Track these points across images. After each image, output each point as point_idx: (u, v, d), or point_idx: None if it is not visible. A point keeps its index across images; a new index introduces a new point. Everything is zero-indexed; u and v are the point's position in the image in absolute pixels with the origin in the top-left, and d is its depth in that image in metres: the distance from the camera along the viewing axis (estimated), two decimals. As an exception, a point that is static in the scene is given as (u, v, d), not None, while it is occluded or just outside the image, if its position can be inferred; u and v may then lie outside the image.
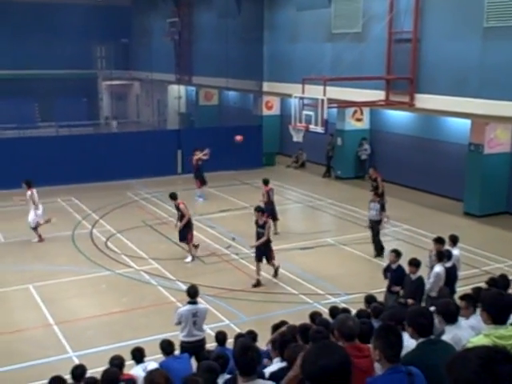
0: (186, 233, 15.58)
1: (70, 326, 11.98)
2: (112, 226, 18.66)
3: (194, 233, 16.00)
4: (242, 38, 27.16)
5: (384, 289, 11.57)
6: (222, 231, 18.04)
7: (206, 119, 33.03)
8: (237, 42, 27.16)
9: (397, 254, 11.39)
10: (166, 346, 7.92)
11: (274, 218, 17.33)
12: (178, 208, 15.71)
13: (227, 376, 5.65)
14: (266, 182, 17.69)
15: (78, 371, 7.27)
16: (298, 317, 9.78)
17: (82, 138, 26.92)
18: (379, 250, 15.84)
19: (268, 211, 16.18)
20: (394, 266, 11.36)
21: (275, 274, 14.45)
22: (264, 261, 14.13)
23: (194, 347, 9.21)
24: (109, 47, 38.96)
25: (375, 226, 15.83)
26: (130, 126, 37.00)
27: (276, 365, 5.84)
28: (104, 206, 20.71)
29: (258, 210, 14.20)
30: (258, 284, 13.95)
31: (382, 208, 15.91)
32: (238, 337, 7.65)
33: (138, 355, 7.72)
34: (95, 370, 7.99)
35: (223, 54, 26.92)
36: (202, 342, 9.51)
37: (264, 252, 14.06)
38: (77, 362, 9.90)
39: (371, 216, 15.84)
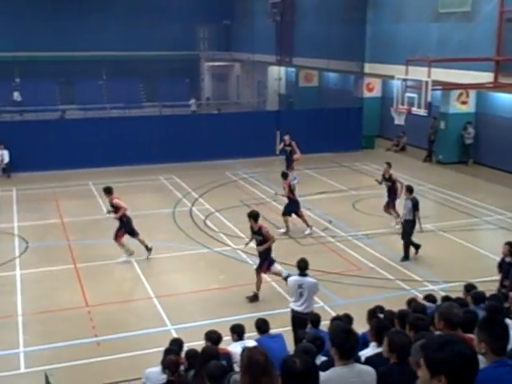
0: (117, 231, 14.42)
1: (169, 300, 12.38)
2: (211, 204, 19.05)
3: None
4: (345, 18, 26.73)
5: (486, 278, 11.13)
6: (319, 213, 17.98)
7: (305, 101, 32.86)
8: (339, 23, 26.77)
9: (511, 246, 10.75)
10: (261, 325, 8.00)
11: (297, 214, 16.37)
12: (111, 204, 14.55)
13: (323, 358, 5.64)
14: (284, 176, 16.60)
15: (177, 344, 7.50)
16: (393, 303, 9.61)
17: (184, 117, 27.59)
18: (407, 252, 14.38)
19: (291, 207, 16.18)
20: (508, 260, 10.75)
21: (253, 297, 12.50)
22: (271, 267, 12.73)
23: (301, 318, 9.42)
24: (211, 29, 39.53)
25: (406, 226, 14.35)
26: (230, 107, 37.47)
27: (372, 349, 5.77)
28: (203, 185, 21.17)
29: (251, 216, 12.49)
30: (254, 298, 12.35)
31: (415, 207, 14.11)
32: (335, 319, 7.61)
33: (239, 332, 7.82)
34: (192, 344, 8.22)
35: (325, 35, 26.62)
36: (308, 315, 9.56)
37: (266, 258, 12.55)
38: (175, 335, 10.24)
39: (403, 215, 14.62)
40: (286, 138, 20.88)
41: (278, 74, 32.62)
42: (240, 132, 25.19)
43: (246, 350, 4.15)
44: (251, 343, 7.44)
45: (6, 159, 22.57)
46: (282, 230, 16.19)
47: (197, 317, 11.56)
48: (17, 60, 34.30)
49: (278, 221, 16.89)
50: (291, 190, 16.28)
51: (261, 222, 12.84)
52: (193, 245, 15.55)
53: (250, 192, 20.55)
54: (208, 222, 17.37)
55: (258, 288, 12.41)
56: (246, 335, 8.00)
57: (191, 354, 6.82)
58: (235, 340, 7.79)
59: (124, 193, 19.92)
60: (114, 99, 33.87)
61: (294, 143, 20.75)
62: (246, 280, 13.35)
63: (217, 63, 40.92)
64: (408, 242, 14.41)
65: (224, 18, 38.49)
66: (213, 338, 7.34)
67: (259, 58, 34.17)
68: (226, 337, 7.95)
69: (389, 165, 16.46)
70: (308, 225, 16.12)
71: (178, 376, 6.35)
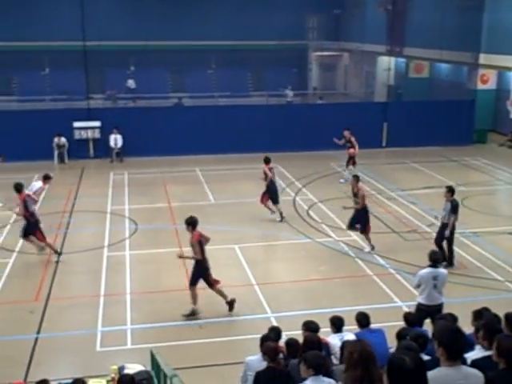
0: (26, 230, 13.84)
1: (269, 288, 12.51)
2: (314, 194, 19.02)
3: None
4: (460, 6, 25.72)
5: None
6: (425, 208, 17.50)
7: (414, 92, 32.00)
8: (453, 11, 25.82)
9: None
10: (362, 318, 7.92)
11: (274, 201, 16.31)
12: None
13: (426, 357, 5.50)
14: (266, 161, 16.28)
15: (275, 332, 7.56)
16: (501, 305, 9.19)
17: (290, 107, 27.66)
18: (446, 257, 13.18)
19: (271, 191, 16.26)
20: None
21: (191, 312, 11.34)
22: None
23: (431, 311, 9.25)
24: (320, 18, 39.27)
25: (441, 230, 13.32)
26: (336, 97, 37.15)
27: (478, 352, 5.56)
28: (307, 175, 21.17)
29: (188, 223, 11.46)
30: (192, 314, 11.22)
31: (454, 210, 13.03)
32: (440, 318, 7.40)
33: (338, 324, 7.79)
34: (290, 333, 8.27)
35: (438, 24, 25.79)
36: (440, 306, 9.52)
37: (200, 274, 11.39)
38: (274, 323, 10.35)
39: (442, 217, 13.47)
40: (346, 133, 20.48)
41: (387, 64, 31.94)
42: (346, 123, 24.88)
43: (353, 343, 4.12)
44: (350, 336, 7.39)
45: (120, 144, 23.60)
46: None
47: (296, 306, 11.61)
48: (132, 49, 35.69)
49: (380, 213, 16.65)
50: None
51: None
52: (295, 234, 15.60)
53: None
54: (311, 213, 17.36)
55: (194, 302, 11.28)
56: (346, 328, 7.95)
57: (291, 342, 6.86)
58: (334, 332, 7.76)
59: (228, 180, 20.62)
60: (222, 88, 34.51)
61: (353, 139, 20.31)
62: (346, 272, 13.27)
63: (325, 53, 40.64)
64: (440, 245, 13.29)
65: (334, 8, 38.12)
66: (311, 328, 7.34)
67: (368, 48, 33.64)
68: (324, 328, 7.94)
69: (356, 178, 14.56)
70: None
71: (277, 363, 6.40)
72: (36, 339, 10.52)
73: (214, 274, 13.28)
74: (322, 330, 7.70)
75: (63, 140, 23.31)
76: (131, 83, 36.50)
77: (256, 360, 6.97)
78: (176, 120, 24.36)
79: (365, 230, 14.29)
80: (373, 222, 16.02)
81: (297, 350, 6.64)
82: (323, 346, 6.97)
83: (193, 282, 11.30)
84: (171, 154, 23.62)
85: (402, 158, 23.56)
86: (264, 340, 7.05)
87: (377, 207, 17.29)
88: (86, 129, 23.78)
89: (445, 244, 13.33)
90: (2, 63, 34.31)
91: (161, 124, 24.02)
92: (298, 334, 7.46)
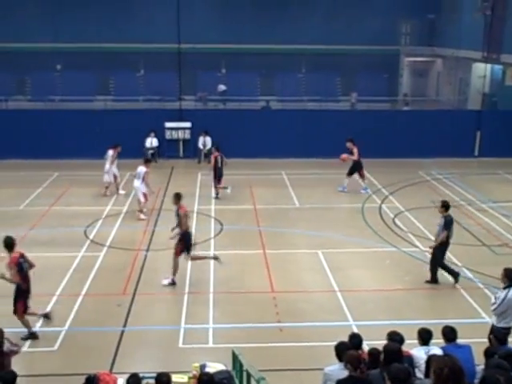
0: None
1: (351, 296, 12.38)
2: (400, 203, 18.66)
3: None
4: None
5: None
6: (519, 222, 16.80)
7: (510, 101, 30.75)
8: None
9: None
10: (449, 332, 7.67)
11: (219, 180, 19.20)
12: None
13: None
14: (216, 148, 19.31)
15: (356, 340, 7.45)
16: None
17: (379, 113, 27.23)
18: (434, 275, 12.82)
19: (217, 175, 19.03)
20: None
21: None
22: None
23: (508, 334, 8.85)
24: (414, 23, 38.42)
25: (436, 246, 12.69)
26: (428, 104, 36.28)
27: None
28: (394, 183, 20.81)
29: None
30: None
31: (447, 226, 12.42)
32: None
33: (426, 337, 7.56)
34: (371, 343, 8.14)
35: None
36: None
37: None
38: (355, 330, 10.23)
39: (436, 233, 12.84)
40: (349, 144, 19.89)
41: (482, 71, 30.88)
42: (437, 130, 24.31)
43: (442, 358, 4.02)
44: (436, 350, 7.18)
45: (208, 146, 24.04)
46: None
47: (378, 316, 11.43)
48: (224, 52, 36.27)
49: (470, 225, 16.13)
50: (216, 162, 19.04)
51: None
52: (380, 242, 15.36)
53: (443, 194, 19.75)
54: (397, 221, 17.04)
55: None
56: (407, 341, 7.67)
57: (374, 352, 6.74)
58: (421, 344, 7.56)
59: (314, 185, 20.63)
60: (311, 92, 34.44)
61: (355, 150, 19.73)
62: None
63: (417, 59, 39.74)
64: (441, 266, 12.78)
65: (428, 12, 37.21)
66: (395, 339, 7.19)
67: (463, 54, 32.62)
68: (408, 340, 7.76)
69: (178, 197, 13.03)
70: None
71: (360, 372, 6.29)
72: (122, 332, 10.89)
73: (296, 278, 13.30)
74: (406, 342, 7.55)
75: (155, 140, 24.01)
76: (222, 87, 37.08)
77: (336, 369, 6.84)
78: (264, 123, 24.56)
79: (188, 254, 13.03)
80: (462, 233, 15.57)
81: (378, 360, 6.53)
82: (406, 358, 6.82)
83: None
84: (258, 156, 23.85)
85: (495, 169, 22.71)
86: (340, 347, 6.95)
87: (466, 219, 16.79)
88: (177, 129, 24.40)
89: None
90: (100, 64, 35.79)
91: (249, 126, 24.28)
92: (380, 344, 7.33)
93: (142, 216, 17.20)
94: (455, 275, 12.84)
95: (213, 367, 7.91)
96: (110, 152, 19.29)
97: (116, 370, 9.36)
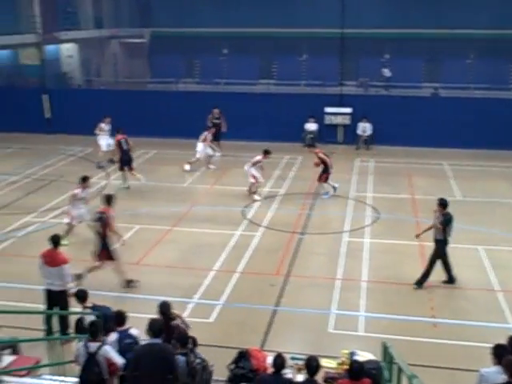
0: None
1: (513, 297, 11.66)
2: None
3: None
4: None
5: None
6: None
7: None
8: None
9: None
10: None
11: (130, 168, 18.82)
12: None
13: None
14: (118, 131, 18.94)
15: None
16: None
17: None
18: (423, 277, 12.00)
19: (123, 161, 18.68)
20: None
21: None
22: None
23: None
24: None
25: (436, 246, 11.94)
26: None
27: None
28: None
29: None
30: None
31: (446, 223, 11.77)
32: None
33: None
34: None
35: None
36: None
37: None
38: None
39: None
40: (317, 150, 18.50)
41: None
42: None
43: None
44: None
45: (368, 132, 23.71)
46: None
47: (544, 321, 10.67)
48: (387, 37, 35.42)
49: None
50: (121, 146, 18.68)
51: None
52: (549, 243, 14.27)
53: None
54: None
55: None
56: None
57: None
58: None
59: (478, 177, 19.62)
60: (479, 79, 32.64)
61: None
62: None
63: None
64: (431, 264, 12.02)
65: None
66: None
67: None
68: None
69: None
70: None
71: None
72: (274, 311, 11.14)
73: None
74: None
75: (315, 125, 24.14)
76: (386, 71, 36.25)
77: (493, 372, 6.54)
78: (428, 111, 23.69)
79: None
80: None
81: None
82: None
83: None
84: (419, 145, 23.14)
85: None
86: (497, 350, 6.62)
87: None
88: (337, 115, 24.29)
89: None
90: (264, 49, 36.56)
91: (412, 114, 23.58)
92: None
93: (256, 197, 17.50)
94: (451, 279, 12.17)
95: (362, 356, 7.87)
96: (257, 157, 18.09)
97: (266, 347, 9.61)
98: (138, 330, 7.71)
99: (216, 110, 22.68)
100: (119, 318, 7.94)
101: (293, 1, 35.92)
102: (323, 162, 17.84)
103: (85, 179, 14.08)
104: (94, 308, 8.72)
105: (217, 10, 36.38)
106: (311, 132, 24.13)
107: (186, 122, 23.92)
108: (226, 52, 37.98)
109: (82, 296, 8.76)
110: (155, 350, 6.55)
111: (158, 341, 6.66)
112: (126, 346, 7.49)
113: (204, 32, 36.41)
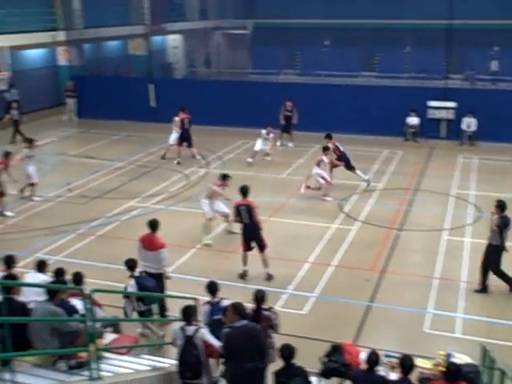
0: None
1: None
2: None
3: None
4: None
5: None
6: None
7: None
8: None
9: None
10: None
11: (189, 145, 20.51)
12: None
13: None
14: (182, 110, 20.49)
15: None
16: None
17: None
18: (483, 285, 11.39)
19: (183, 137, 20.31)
20: None
21: None
22: None
23: None
24: None
25: (489, 251, 11.25)
26: None
27: None
28: None
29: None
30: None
31: (502, 226, 11.02)
32: None
33: None
34: None
35: None
36: None
37: None
38: None
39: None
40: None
41: None
42: None
43: None
44: None
45: (473, 127, 22.85)
46: None
47: None
48: (496, 28, 33.92)
49: None
50: (183, 124, 20.48)
51: None
52: None
53: None
54: None
55: None
56: None
57: None
58: None
59: None
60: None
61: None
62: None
63: None
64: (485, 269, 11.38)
65: None
66: None
67: None
68: None
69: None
70: None
71: None
72: (368, 307, 11.04)
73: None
74: None
75: (416, 119, 23.54)
76: (495, 65, 34.76)
77: None
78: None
79: None
80: None
81: None
82: None
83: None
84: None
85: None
86: None
87: None
88: (441, 109, 23.55)
89: None
90: (367, 40, 36.01)
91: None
92: None
93: (327, 198, 16.90)
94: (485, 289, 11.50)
95: (459, 358, 7.66)
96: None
97: (360, 342, 9.55)
98: (229, 300, 7.81)
99: (289, 103, 22.70)
100: (212, 288, 8.13)
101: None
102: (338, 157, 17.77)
103: (225, 177, 14.11)
104: (139, 278, 9.30)
105: (320, 0, 36.19)
106: (413, 126, 23.55)
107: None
108: (327, 43, 37.76)
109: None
110: (246, 331, 6.74)
111: (245, 322, 6.84)
112: (215, 321, 7.67)
113: (306, 23, 36.34)
